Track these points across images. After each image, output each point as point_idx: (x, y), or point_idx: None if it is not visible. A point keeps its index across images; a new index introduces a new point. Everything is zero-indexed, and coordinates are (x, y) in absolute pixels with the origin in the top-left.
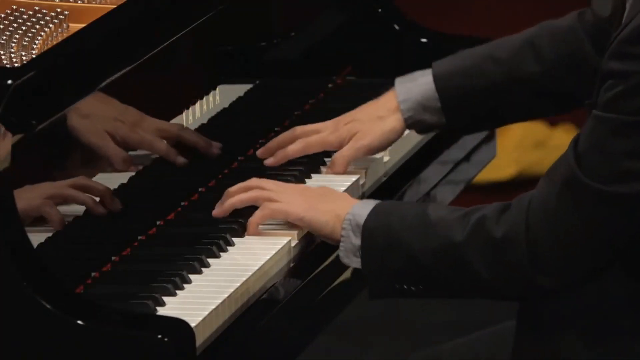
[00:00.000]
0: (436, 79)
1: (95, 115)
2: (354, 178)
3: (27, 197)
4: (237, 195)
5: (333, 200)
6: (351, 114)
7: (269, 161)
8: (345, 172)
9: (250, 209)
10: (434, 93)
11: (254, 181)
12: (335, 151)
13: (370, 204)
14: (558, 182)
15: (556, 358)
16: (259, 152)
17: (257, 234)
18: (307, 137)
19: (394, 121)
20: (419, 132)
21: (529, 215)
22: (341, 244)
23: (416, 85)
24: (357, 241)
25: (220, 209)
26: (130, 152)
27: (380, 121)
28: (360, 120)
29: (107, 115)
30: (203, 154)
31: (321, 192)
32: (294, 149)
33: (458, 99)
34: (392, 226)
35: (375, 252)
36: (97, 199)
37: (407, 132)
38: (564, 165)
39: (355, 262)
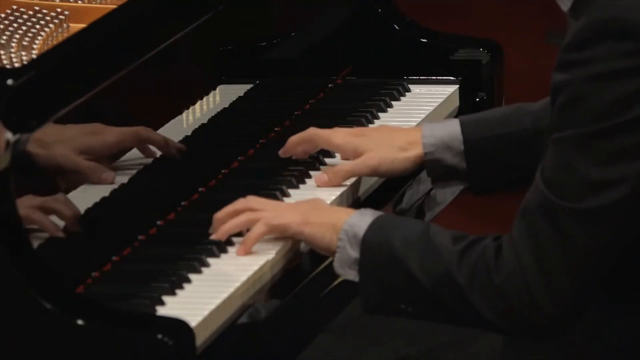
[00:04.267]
0: (462, 122)
1: (56, 141)
2: (353, 178)
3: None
4: (229, 222)
5: (327, 212)
6: (371, 130)
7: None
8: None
9: None
10: (458, 134)
11: (241, 203)
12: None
13: (367, 215)
14: (534, 212)
15: None
16: (281, 152)
17: (249, 253)
18: (317, 131)
19: (407, 156)
20: (434, 177)
21: (519, 257)
22: (337, 254)
23: (441, 125)
24: (353, 253)
25: (216, 236)
26: (129, 153)
27: (395, 150)
28: (375, 140)
29: (68, 136)
30: (164, 153)
31: (312, 204)
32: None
33: (482, 144)
34: (393, 243)
35: (374, 267)
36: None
37: None
38: (535, 195)
39: (350, 275)
